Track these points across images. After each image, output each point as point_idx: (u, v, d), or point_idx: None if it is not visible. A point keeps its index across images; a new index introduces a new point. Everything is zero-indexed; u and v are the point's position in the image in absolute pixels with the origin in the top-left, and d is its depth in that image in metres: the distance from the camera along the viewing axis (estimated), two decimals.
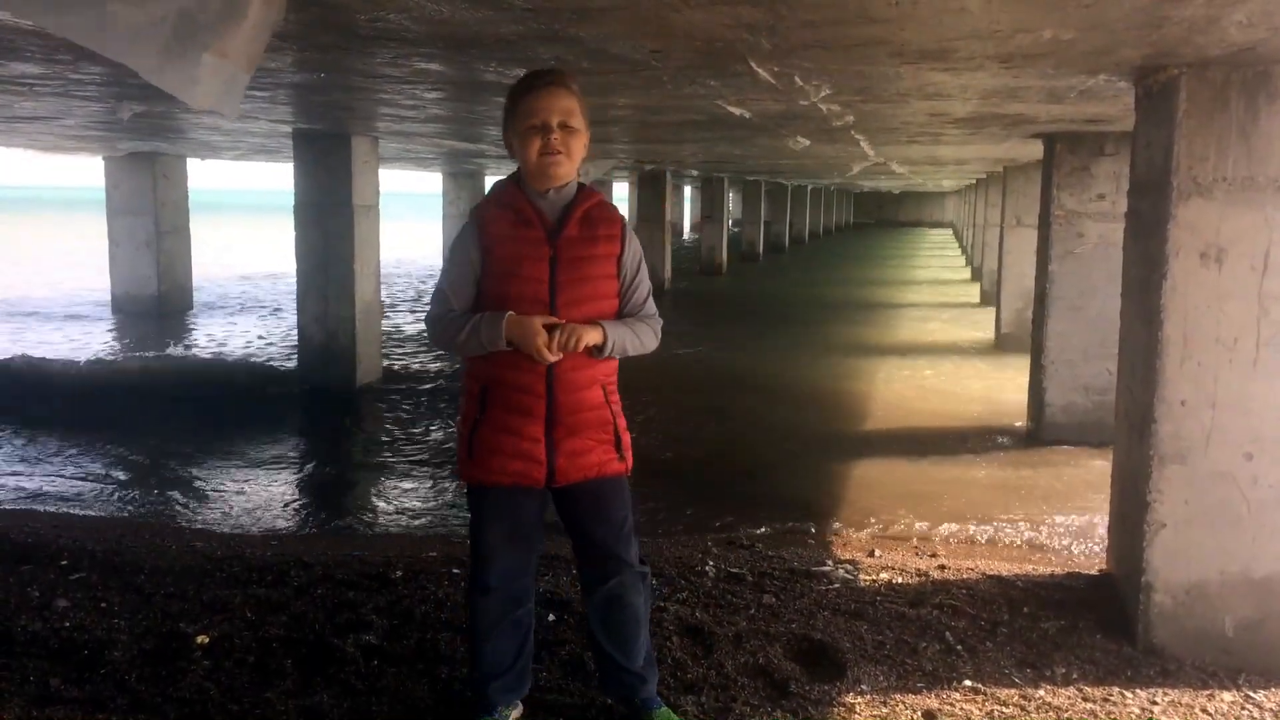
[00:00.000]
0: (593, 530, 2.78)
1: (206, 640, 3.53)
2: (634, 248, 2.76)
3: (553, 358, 2.56)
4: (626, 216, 2.76)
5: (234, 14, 2.15)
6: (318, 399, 8.76)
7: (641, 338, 2.73)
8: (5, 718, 2.94)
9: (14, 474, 6.42)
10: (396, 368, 10.21)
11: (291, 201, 9.00)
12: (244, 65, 2.27)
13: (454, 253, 2.71)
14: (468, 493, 2.81)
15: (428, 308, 2.77)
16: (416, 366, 10.39)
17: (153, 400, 8.25)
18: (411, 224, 40.38)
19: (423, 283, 20.02)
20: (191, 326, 13.28)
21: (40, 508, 5.75)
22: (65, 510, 5.72)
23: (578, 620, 3.62)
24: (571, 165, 2.64)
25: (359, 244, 8.73)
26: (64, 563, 4.36)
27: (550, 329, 2.55)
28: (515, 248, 2.62)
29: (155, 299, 14.15)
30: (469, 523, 2.84)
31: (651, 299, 2.81)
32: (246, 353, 11.20)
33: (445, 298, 2.69)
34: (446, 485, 6.31)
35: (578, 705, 3.06)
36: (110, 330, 12.84)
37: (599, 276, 2.67)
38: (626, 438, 2.80)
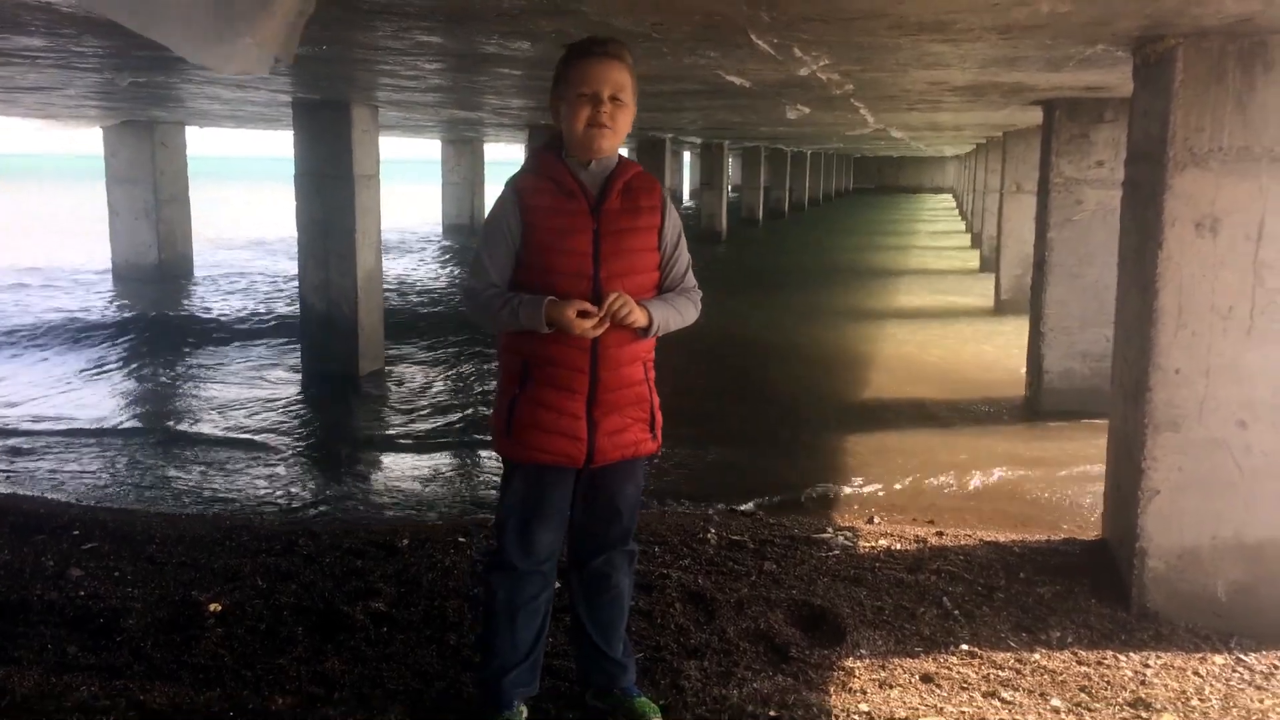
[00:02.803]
0: (605, 509, 2.72)
1: (219, 608, 3.60)
2: (674, 219, 2.69)
3: (596, 331, 2.47)
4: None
5: (263, 6, 2.19)
6: (318, 367, 8.80)
7: (683, 313, 2.68)
8: (25, 684, 3.01)
9: None
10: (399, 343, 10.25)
11: (292, 169, 9.00)
12: (278, 49, 2.32)
13: (492, 224, 2.60)
14: (503, 468, 2.75)
15: (464, 277, 2.73)
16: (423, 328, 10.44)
17: None
18: (408, 187, 40.28)
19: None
20: (192, 295, 13.29)
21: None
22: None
23: None
24: (616, 140, 2.57)
25: (360, 213, 8.71)
26: (76, 532, 4.44)
27: (585, 315, 2.46)
28: (558, 220, 2.55)
29: (156, 267, 14.16)
30: (497, 499, 2.76)
31: (691, 271, 2.74)
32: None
33: (484, 269, 2.59)
34: (443, 456, 6.37)
35: None
36: (111, 298, 12.84)
37: (641, 249, 2.61)
38: (660, 417, 2.75)
